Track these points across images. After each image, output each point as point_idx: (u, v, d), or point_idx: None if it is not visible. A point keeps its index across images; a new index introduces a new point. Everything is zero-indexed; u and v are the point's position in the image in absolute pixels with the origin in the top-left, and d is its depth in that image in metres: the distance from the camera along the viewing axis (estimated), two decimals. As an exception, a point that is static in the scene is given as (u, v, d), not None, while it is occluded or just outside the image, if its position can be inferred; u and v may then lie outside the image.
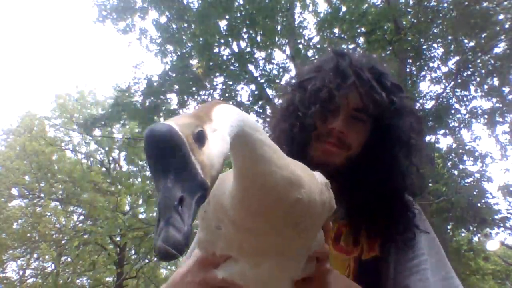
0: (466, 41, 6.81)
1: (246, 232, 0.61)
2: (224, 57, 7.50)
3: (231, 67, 7.42)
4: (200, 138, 0.43)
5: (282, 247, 0.62)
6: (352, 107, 0.92)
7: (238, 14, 7.15)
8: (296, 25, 7.87)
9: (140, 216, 10.39)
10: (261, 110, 7.61)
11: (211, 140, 0.45)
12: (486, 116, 7.30)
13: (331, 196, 0.67)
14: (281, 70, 7.83)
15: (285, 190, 0.55)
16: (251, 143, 0.53)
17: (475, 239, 7.59)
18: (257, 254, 0.64)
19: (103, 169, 13.40)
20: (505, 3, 6.31)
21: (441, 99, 6.96)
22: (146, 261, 10.78)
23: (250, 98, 7.54)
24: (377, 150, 0.93)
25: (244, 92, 7.80)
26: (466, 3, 6.12)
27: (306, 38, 7.83)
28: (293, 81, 1.09)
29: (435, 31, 6.83)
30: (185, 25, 7.58)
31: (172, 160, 0.41)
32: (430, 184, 6.21)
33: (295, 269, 0.67)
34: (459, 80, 6.96)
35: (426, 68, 7.08)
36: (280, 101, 1.10)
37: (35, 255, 12.61)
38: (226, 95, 7.50)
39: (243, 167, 0.55)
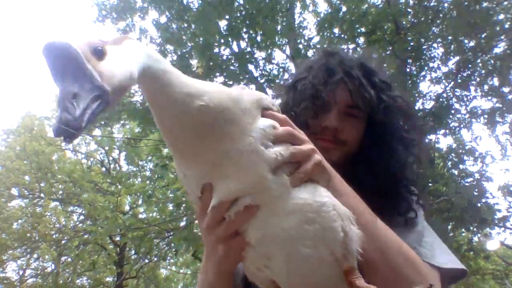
0: (466, 41, 6.81)
1: (184, 156, 0.67)
2: (224, 57, 7.50)
3: (231, 67, 7.42)
4: (97, 53, 0.51)
5: (218, 151, 0.64)
6: (345, 103, 0.94)
7: (238, 14, 7.15)
8: (296, 25, 7.87)
9: (140, 216, 10.39)
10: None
11: (111, 56, 0.53)
12: (486, 116, 7.30)
13: (249, 92, 0.69)
14: (281, 70, 7.83)
15: (186, 101, 0.61)
16: (155, 72, 0.60)
17: (475, 239, 7.59)
18: (212, 171, 0.65)
19: (103, 169, 13.41)
20: (505, 3, 6.31)
21: (441, 99, 6.95)
22: (146, 261, 10.78)
23: (250, 98, 7.54)
24: (374, 145, 0.95)
25: (244, 92, 7.81)
26: (466, 3, 6.11)
27: (306, 38, 7.83)
28: (287, 82, 1.12)
29: (435, 31, 6.83)
30: (185, 25, 7.58)
31: (68, 68, 0.48)
32: (430, 184, 6.21)
33: (257, 156, 0.64)
34: (459, 80, 6.95)
35: (426, 68, 7.08)
36: (279, 99, 1.12)
37: (35, 255, 12.60)
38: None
39: (151, 96, 0.62)
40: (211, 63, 7.14)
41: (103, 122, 8.14)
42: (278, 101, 1.12)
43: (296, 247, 0.65)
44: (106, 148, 13.10)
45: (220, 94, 0.64)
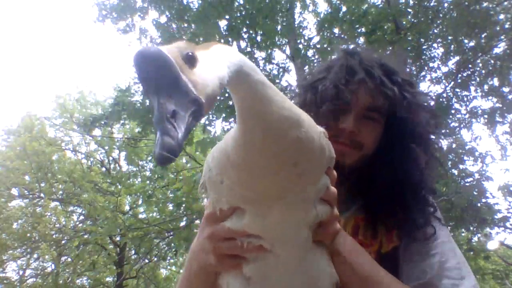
0: (466, 41, 6.81)
1: (247, 174, 0.62)
2: (224, 57, 7.50)
3: (231, 67, 7.42)
4: (190, 60, 0.46)
5: (282, 189, 0.62)
6: (364, 106, 0.91)
7: (238, 14, 7.15)
8: (296, 25, 7.87)
9: (140, 216, 10.39)
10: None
11: (203, 62, 0.48)
12: (486, 116, 7.29)
13: (329, 144, 0.69)
14: (281, 70, 7.83)
15: (286, 128, 0.57)
16: (252, 82, 0.56)
17: (475, 239, 7.59)
18: (259, 200, 0.64)
19: (103, 169, 13.41)
20: (505, 3, 6.31)
21: (441, 99, 6.95)
22: (146, 261, 10.77)
23: (250, 98, 7.55)
24: (393, 148, 0.92)
25: (244, 92, 7.81)
26: (466, 3, 6.11)
27: (306, 38, 7.83)
28: (304, 82, 1.09)
29: (435, 31, 6.83)
30: (185, 25, 7.58)
31: (162, 79, 0.43)
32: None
33: (305, 212, 0.66)
34: (459, 80, 6.95)
35: (426, 68, 7.08)
36: (293, 101, 1.10)
37: (35, 255, 12.60)
38: (226, 95, 7.50)
39: (245, 107, 0.58)
40: (211, 63, 7.14)
41: (103, 122, 8.13)
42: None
43: None
44: (106, 148, 13.11)
45: (311, 127, 0.61)
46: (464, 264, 0.86)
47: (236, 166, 0.62)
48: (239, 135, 0.60)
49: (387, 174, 0.89)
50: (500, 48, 6.70)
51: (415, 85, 0.98)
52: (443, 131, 7.08)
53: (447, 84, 7.07)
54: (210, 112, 7.56)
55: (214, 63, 0.50)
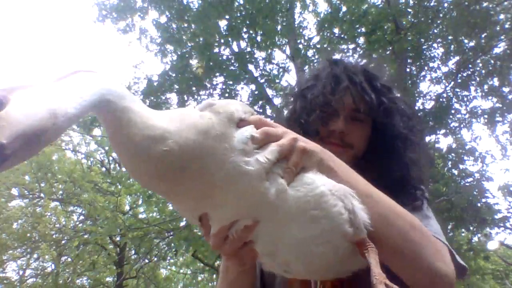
0: (466, 41, 6.81)
1: (167, 197, 0.64)
2: (224, 57, 7.50)
3: (231, 67, 7.42)
4: None
5: (204, 191, 0.61)
6: (350, 108, 0.99)
7: (238, 14, 7.15)
8: (296, 25, 7.87)
9: (140, 216, 10.40)
10: (261, 110, 7.61)
11: (16, 102, 0.46)
12: (486, 116, 7.29)
13: (221, 110, 0.64)
14: (281, 70, 7.83)
15: (145, 146, 0.56)
16: (114, 110, 0.56)
17: (475, 239, 7.59)
18: (201, 203, 0.63)
19: (103, 169, 13.41)
20: (505, 3, 6.31)
21: (441, 99, 6.95)
22: (146, 261, 10.78)
23: (250, 98, 7.54)
24: (379, 147, 1.00)
25: (244, 92, 7.81)
26: (466, 3, 6.11)
27: (306, 38, 7.83)
28: (294, 90, 1.17)
29: (435, 31, 6.83)
30: (185, 25, 7.58)
31: None
32: (430, 184, 6.21)
33: (250, 175, 0.61)
34: (459, 80, 6.95)
35: (426, 68, 7.08)
36: (284, 111, 1.17)
37: (35, 255, 12.60)
38: (226, 95, 7.50)
39: (109, 134, 0.59)
40: (211, 63, 7.14)
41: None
42: (285, 111, 1.16)
43: (309, 249, 0.65)
44: (106, 148, 13.10)
45: (187, 131, 0.59)
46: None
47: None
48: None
49: (375, 170, 0.93)
50: (500, 48, 6.71)
51: (393, 90, 1.05)
52: (442, 131, 7.10)
53: (447, 84, 7.07)
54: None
55: (42, 97, 0.49)
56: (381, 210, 0.69)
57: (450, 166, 7.10)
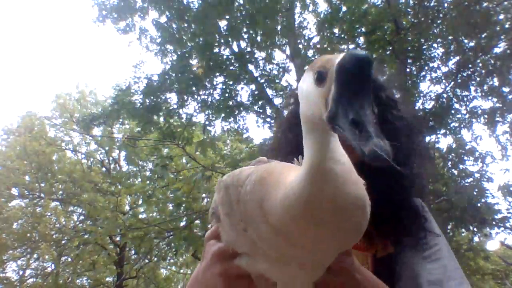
0: (466, 41, 6.81)
1: (284, 239, 0.55)
2: (224, 57, 7.50)
3: (231, 67, 7.42)
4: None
5: (314, 260, 0.59)
6: None
7: (238, 14, 7.14)
8: (296, 25, 7.86)
9: (140, 216, 10.38)
10: (261, 110, 7.61)
11: None
12: (486, 116, 7.28)
13: None
14: (281, 70, 7.82)
15: (355, 210, 0.51)
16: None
17: (475, 239, 7.58)
18: (281, 262, 0.60)
19: (103, 169, 13.41)
20: (505, 3, 6.31)
21: (441, 99, 6.95)
22: (146, 261, 10.78)
23: (250, 98, 7.54)
24: None
25: (244, 92, 7.81)
26: (466, 3, 6.11)
27: (306, 38, 7.83)
28: (295, 91, 1.14)
29: (435, 31, 6.83)
30: (185, 25, 7.57)
31: (366, 88, 0.43)
32: (430, 184, 6.21)
33: (321, 272, 0.64)
34: (459, 80, 6.95)
35: (426, 68, 7.07)
36: (285, 111, 1.15)
37: (35, 255, 12.60)
38: (226, 95, 7.50)
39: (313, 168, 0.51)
40: (211, 63, 7.13)
41: (102, 121, 8.14)
42: (285, 112, 1.15)
43: None
44: (106, 148, 13.11)
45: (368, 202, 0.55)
46: (459, 267, 0.89)
47: (275, 227, 0.54)
48: (299, 191, 0.50)
49: (377, 181, 0.90)
50: (500, 48, 6.70)
51: (397, 104, 1.01)
52: (442, 131, 7.09)
53: (447, 84, 7.06)
54: (209, 112, 7.56)
55: None
56: None
57: (450, 166, 7.10)
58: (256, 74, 7.61)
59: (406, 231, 0.91)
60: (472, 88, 7.17)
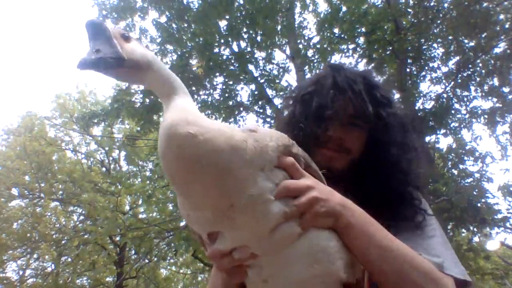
0: (466, 41, 6.80)
1: (184, 196, 0.65)
2: (224, 57, 7.50)
3: (231, 67, 7.42)
4: (125, 37, 0.69)
5: (216, 196, 0.61)
6: (348, 114, 1.00)
7: (238, 14, 7.14)
8: (296, 25, 7.87)
9: (140, 216, 10.40)
10: (261, 110, 7.61)
11: (135, 43, 0.71)
12: (486, 116, 7.28)
13: (252, 144, 0.65)
14: (281, 70, 7.82)
15: (178, 124, 0.61)
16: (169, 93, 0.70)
17: (475, 239, 7.58)
18: (213, 218, 0.63)
19: (103, 169, 13.41)
20: (505, 3, 6.31)
21: (441, 99, 6.95)
22: (146, 261, 10.78)
23: (250, 98, 7.54)
24: (376, 154, 1.00)
25: (244, 92, 7.83)
26: (466, 3, 6.11)
27: (306, 38, 7.83)
28: (294, 94, 1.18)
29: (435, 31, 6.82)
30: (185, 25, 7.58)
31: (100, 36, 0.65)
32: (430, 184, 6.20)
33: (267, 213, 0.64)
34: (459, 80, 6.94)
35: (426, 68, 7.07)
36: (285, 112, 1.17)
37: (35, 255, 12.60)
38: (226, 95, 7.50)
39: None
40: (211, 63, 7.13)
41: (101, 119, 8.15)
42: (285, 112, 1.17)
43: (304, 286, 0.69)
44: (106, 148, 13.11)
45: (218, 135, 0.61)
46: (449, 253, 0.88)
47: (174, 187, 0.67)
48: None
49: (372, 177, 0.96)
50: (500, 48, 6.70)
51: (392, 101, 1.05)
52: (442, 131, 7.09)
53: (447, 84, 7.06)
54: (209, 112, 7.56)
55: (144, 49, 0.72)
56: (396, 266, 0.70)
57: (450, 166, 7.10)
58: (256, 74, 7.61)
59: (405, 216, 0.93)
60: (472, 88, 7.17)
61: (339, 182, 0.91)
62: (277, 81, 7.68)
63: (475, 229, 6.74)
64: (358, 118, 0.99)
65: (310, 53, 7.36)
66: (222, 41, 7.35)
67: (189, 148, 0.59)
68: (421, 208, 0.96)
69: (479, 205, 6.06)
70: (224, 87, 7.57)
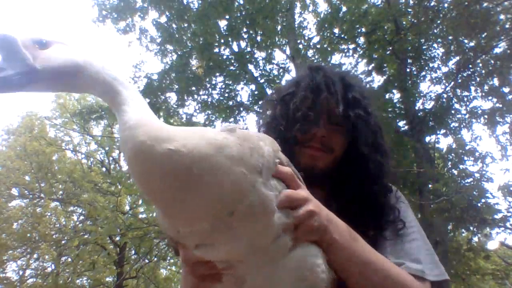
0: (466, 41, 6.80)
1: (171, 212, 0.61)
2: (224, 57, 7.50)
3: (231, 67, 7.42)
4: (40, 44, 0.62)
5: (216, 202, 0.58)
6: (329, 115, 1.02)
7: (238, 14, 7.14)
8: (296, 25, 7.86)
9: (140, 216, 10.39)
10: (261, 110, 7.60)
11: (56, 47, 0.64)
12: (486, 116, 7.28)
13: (236, 141, 0.62)
14: (281, 70, 7.82)
15: (152, 144, 0.56)
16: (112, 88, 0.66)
17: (475, 239, 7.57)
18: (197, 232, 0.61)
19: (103, 169, 13.41)
20: (506, 3, 6.30)
21: (441, 99, 6.95)
22: (146, 261, 10.78)
23: (250, 98, 7.54)
24: (349, 154, 1.03)
25: (244, 92, 7.82)
26: (466, 3, 6.10)
27: (306, 38, 7.83)
28: (274, 96, 1.19)
29: (435, 31, 6.82)
30: (185, 25, 7.57)
31: (7, 51, 0.59)
32: (430, 184, 6.20)
33: (263, 227, 0.62)
34: (459, 80, 6.94)
35: (426, 68, 7.07)
36: (268, 113, 1.17)
37: (35, 255, 12.60)
38: (226, 95, 7.50)
39: (119, 127, 0.62)
40: (211, 63, 7.13)
41: (99, 115, 8.15)
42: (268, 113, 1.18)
43: None
44: (106, 148, 13.11)
45: (198, 140, 0.58)
46: (427, 253, 0.91)
47: (158, 211, 0.64)
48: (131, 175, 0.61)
49: (349, 179, 0.98)
50: (500, 48, 6.69)
51: (361, 103, 1.05)
52: (442, 131, 7.09)
53: (447, 84, 7.06)
54: (209, 112, 7.55)
55: (69, 52, 0.65)
56: (375, 280, 0.73)
57: (450, 166, 7.09)
58: (256, 74, 7.61)
59: (386, 220, 0.95)
60: (472, 88, 7.16)
61: (323, 183, 0.94)
62: (277, 81, 7.68)
63: (475, 229, 6.73)
64: (337, 118, 1.01)
65: (310, 53, 7.36)
66: (222, 41, 7.35)
67: (175, 164, 0.55)
68: (401, 215, 0.97)
69: (479, 205, 6.06)
70: (224, 87, 7.57)
